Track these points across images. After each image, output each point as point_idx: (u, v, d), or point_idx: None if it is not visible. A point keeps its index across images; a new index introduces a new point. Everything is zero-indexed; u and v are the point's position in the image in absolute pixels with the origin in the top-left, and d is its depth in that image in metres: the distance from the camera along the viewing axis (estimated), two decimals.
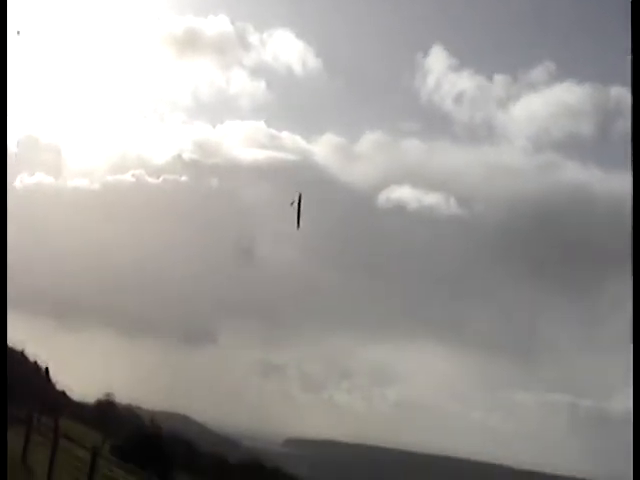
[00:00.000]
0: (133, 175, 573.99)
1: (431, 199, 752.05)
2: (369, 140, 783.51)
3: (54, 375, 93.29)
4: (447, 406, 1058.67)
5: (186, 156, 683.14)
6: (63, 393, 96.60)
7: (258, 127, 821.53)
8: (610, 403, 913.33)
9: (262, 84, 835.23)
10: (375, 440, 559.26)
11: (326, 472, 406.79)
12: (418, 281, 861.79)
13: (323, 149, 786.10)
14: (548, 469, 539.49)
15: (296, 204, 23.23)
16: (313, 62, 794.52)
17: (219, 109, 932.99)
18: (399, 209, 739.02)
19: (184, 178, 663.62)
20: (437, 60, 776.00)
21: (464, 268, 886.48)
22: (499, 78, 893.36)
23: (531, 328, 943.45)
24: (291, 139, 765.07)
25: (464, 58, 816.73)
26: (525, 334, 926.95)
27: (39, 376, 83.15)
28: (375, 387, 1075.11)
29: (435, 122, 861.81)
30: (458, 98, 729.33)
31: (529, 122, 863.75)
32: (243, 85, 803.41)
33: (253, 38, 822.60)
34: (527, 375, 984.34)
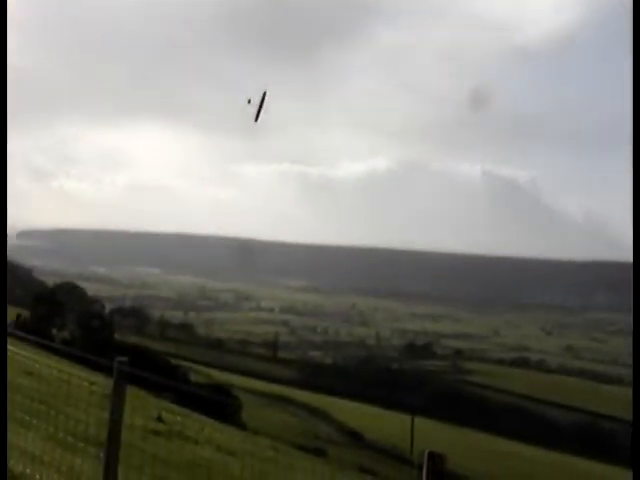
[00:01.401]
0: None
1: None
2: None
3: None
4: (179, 185, 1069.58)
5: None
6: None
7: None
8: (336, 171, 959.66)
9: None
10: (110, 225, 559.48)
11: (61, 261, 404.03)
12: (137, 61, 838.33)
13: None
14: (282, 238, 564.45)
15: (258, 101, 21.87)
16: None
17: None
18: None
19: None
20: None
21: (184, 43, 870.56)
22: None
23: (256, 102, 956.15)
24: None
25: None
26: (250, 107, 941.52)
27: None
28: (105, 172, 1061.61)
29: None
30: None
31: None
32: None
33: None
34: (255, 149, 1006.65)
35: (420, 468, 6.24)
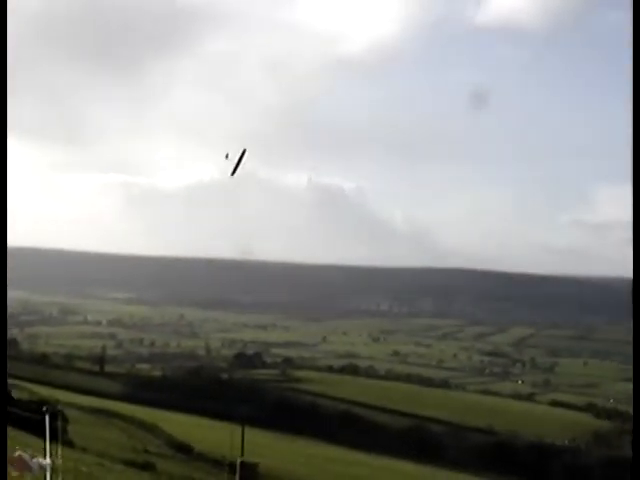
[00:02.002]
0: None
1: None
2: None
3: None
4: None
5: None
6: None
7: None
8: (161, 181, 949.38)
9: None
10: None
11: None
12: None
13: None
14: (106, 249, 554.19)
15: (237, 158, 21.19)
16: None
17: None
18: None
19: None
20: None
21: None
22: None
23: (78, 111, 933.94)
24: None
25: None
26: (72, 117, 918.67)
27: None
28: None
29: None
30: None
31: None
32: None
33: None
34: (79, 159, 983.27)
35: (234, 475, 6.40)
